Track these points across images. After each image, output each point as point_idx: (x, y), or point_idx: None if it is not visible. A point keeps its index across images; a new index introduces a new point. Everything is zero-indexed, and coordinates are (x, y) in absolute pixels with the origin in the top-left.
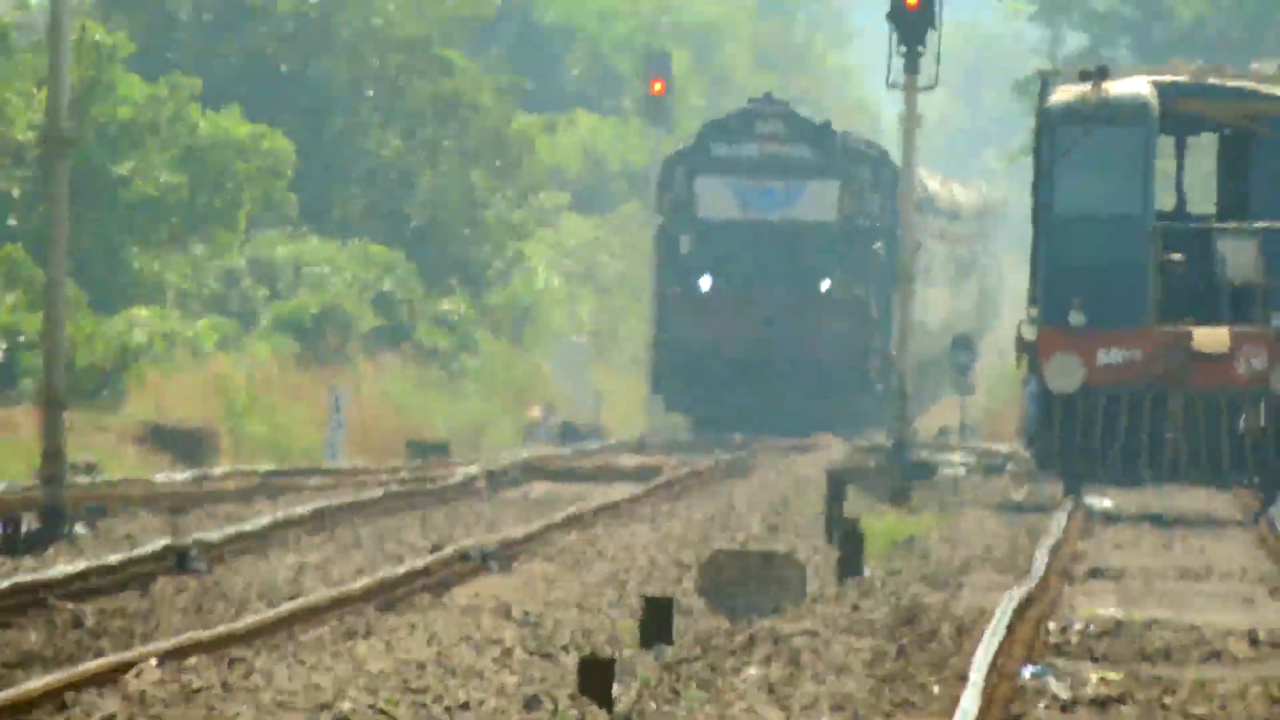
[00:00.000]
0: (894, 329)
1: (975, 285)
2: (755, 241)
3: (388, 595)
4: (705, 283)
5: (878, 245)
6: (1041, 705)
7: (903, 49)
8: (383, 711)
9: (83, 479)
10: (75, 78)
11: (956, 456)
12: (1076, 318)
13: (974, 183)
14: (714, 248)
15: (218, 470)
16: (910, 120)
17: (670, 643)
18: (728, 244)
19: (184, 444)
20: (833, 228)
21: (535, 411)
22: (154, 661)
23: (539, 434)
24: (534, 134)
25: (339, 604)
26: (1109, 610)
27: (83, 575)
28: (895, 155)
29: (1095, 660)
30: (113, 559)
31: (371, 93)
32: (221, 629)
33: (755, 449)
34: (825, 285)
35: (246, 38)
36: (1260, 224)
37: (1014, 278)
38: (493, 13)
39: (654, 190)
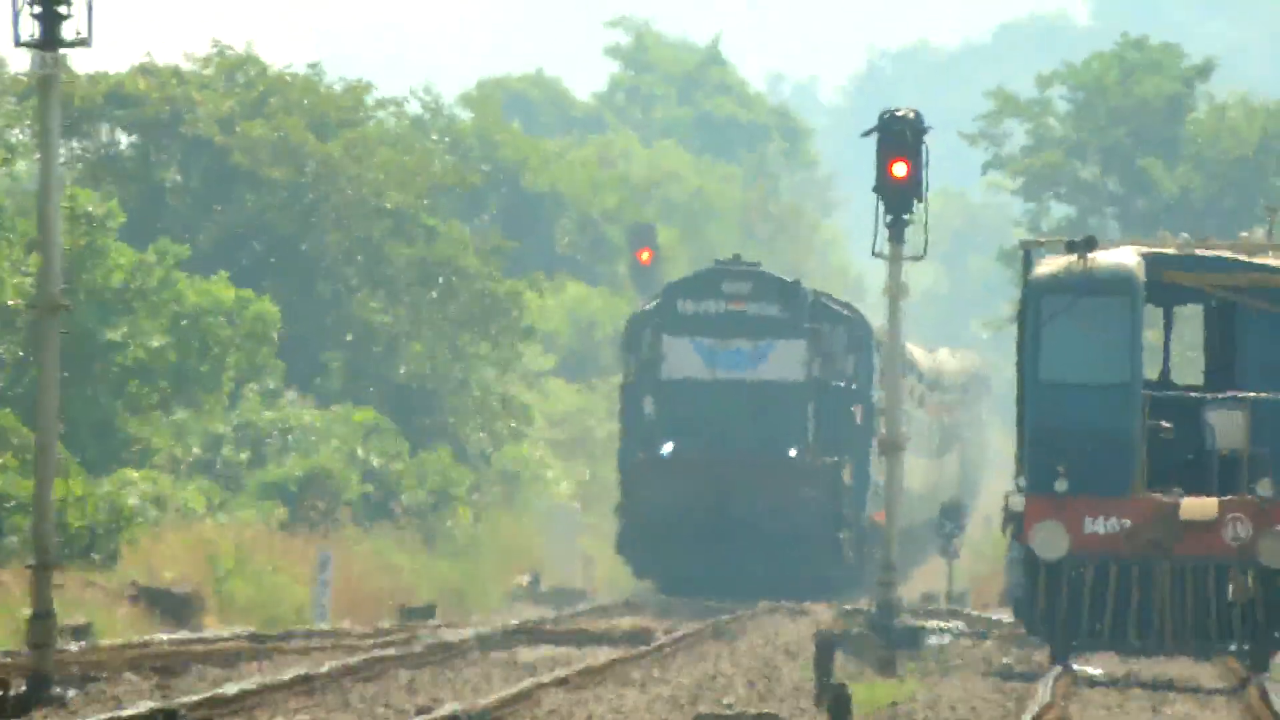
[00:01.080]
0: (869, 497)
1: (957, 454)
2: (721, 403)
3: None
4: (667, 448)
5: (853, 409)
6: None
7: (889, 219)
8: None
9: (73, 644)
10: (66, 245)
11: (943, 623)
12: (1062, 485)
13: (957, 351)
14: (678, 409)
15: (207, 632)
16: (895, 289)
17: None
18: (692, 405)
19: (173, 605)
20: (802, 389)
21: (523, 578)
22: None
23: (527, 598)
24: (520, 290)
25: None
26: None
27: None
28: (880, 324)
29: None
30: None
31: (360, 258)
32: None
33: (741, 615)
34: (793, 451)
35: (235, 205)
36: (1248, 394)
37: (998, 447)
38: (479, 181)
39: (619, 351)
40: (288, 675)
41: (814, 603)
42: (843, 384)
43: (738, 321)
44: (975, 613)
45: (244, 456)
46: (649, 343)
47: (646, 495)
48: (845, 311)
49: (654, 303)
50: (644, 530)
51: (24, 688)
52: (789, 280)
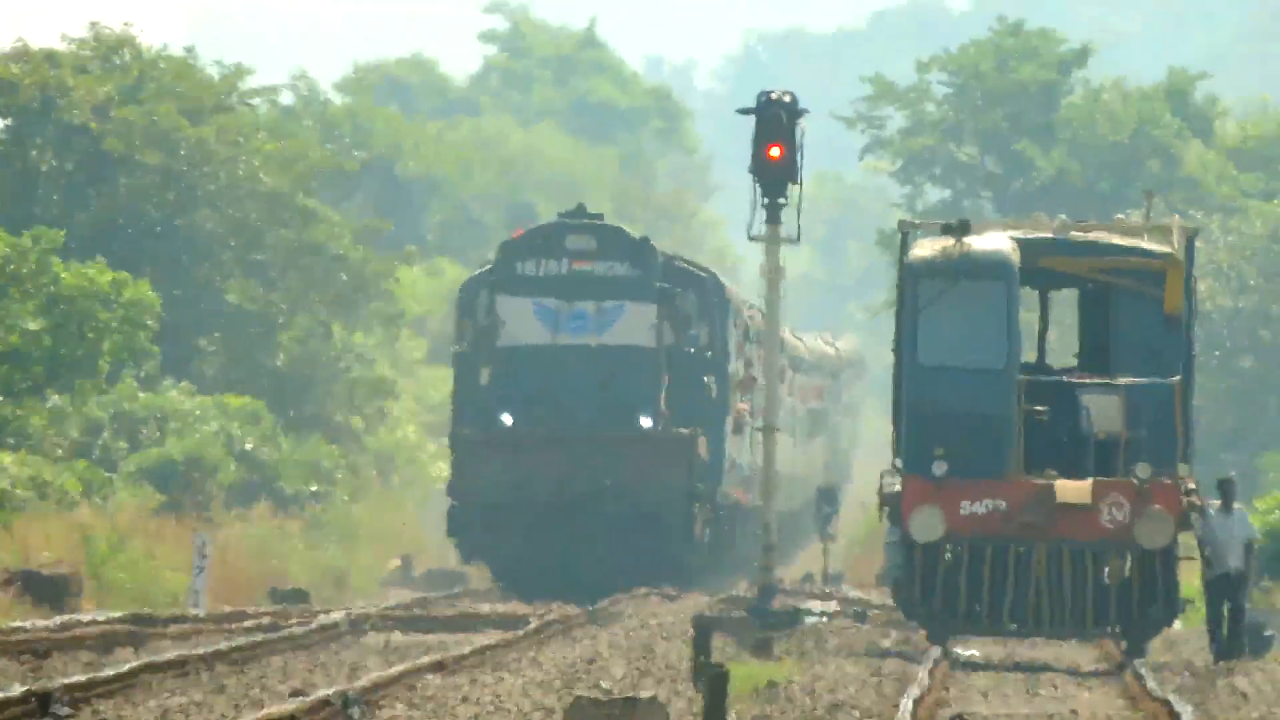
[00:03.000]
0: (725, 473)
1: (827, 437)
2: (564, 371)
3: None
4: (505, 420)
5: (708, 380)
6: None
7: (765, 200)
8: None
9: None
10: None
11: (820, 605)
12: (939, 468)
13: (828, 335)
14: (517, 379)
15: (82, 616)
16: (772, 272)
17: None
18: (532, 375)
19: (48, 589)
20: (653, 355)
21: (395, 562)
22: None
23: (401, 583)
24: (391, 270)
25: None
26: None
27: None
28: (735, 288)
29: None
30: None
31: (234, 243)
32: None
33: (618, 598)
34: (645, 422)
35: (110, 190)
36: (1123, 378)
37: (874, 430)
38: (356, 167)
39: (454, 317)
40: (163, 659)
41: (670, 588)
42: (695, 353)
43: (582, 282)
44: (853, 594)
45: (121, 442)
46: (484, 306)
47: (480, 473)
48: (700, 273)
49: (490, 264)
50: (475, 512)
51: None
52: (638, 237)
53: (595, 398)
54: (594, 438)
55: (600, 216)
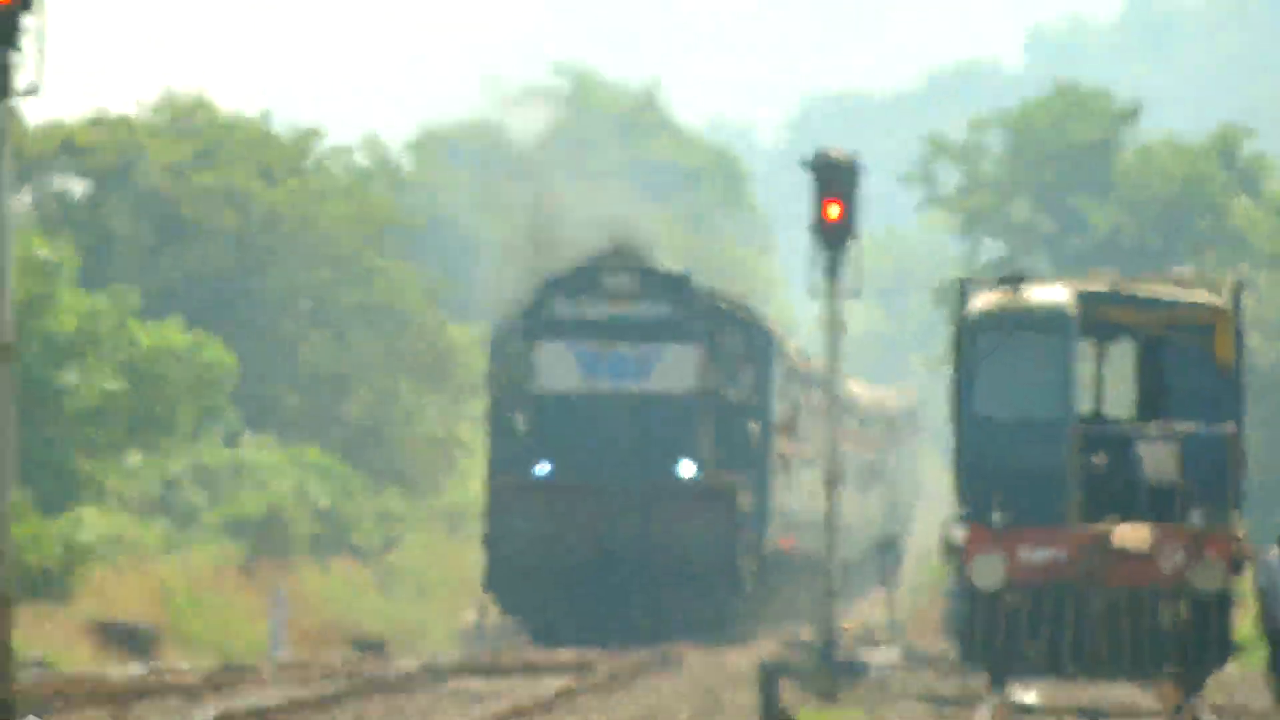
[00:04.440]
0: (770, 522)
1: (884, 488)
2: (603, 418)
3: None
4: (543, 469)
5: (752, 425)
6: None
7: (824, 257)
8: None
9: (33, 676)
10: (19, 291)
11: (883, 652)
12: (998, 517)
13: (886, 387)
14: (554, 426)
15: (162, 665)
16: (833, 326)
17: None
18: (570, 422)
19: (129, 640)
20: (695, 401)
21: (470, 613)
22: None
23: (476, 634)
24: (465, 343)
25: None
26: None
27: None
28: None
29: None
30: None
31: (306, 302)
32: None
33: (680, 645)
34: (685, 470)
35: (186, 251)
36: (1178, 427)
37: (932, 480)
38: (423, 225)
39: (486, 361)
40: (243, 707)
41: (709, 644)
42: (739, 396)
43: (621, 324)
44: (913, 642)
45: (200, 496)
46: (519, 351)
47: (517, 525)
48: (744, 313)
49: (526, 304)
50: (513, 565)
51: None
52: (679, 275)
53: (635, 445)
54: (634, 488)
55: (639, 255)
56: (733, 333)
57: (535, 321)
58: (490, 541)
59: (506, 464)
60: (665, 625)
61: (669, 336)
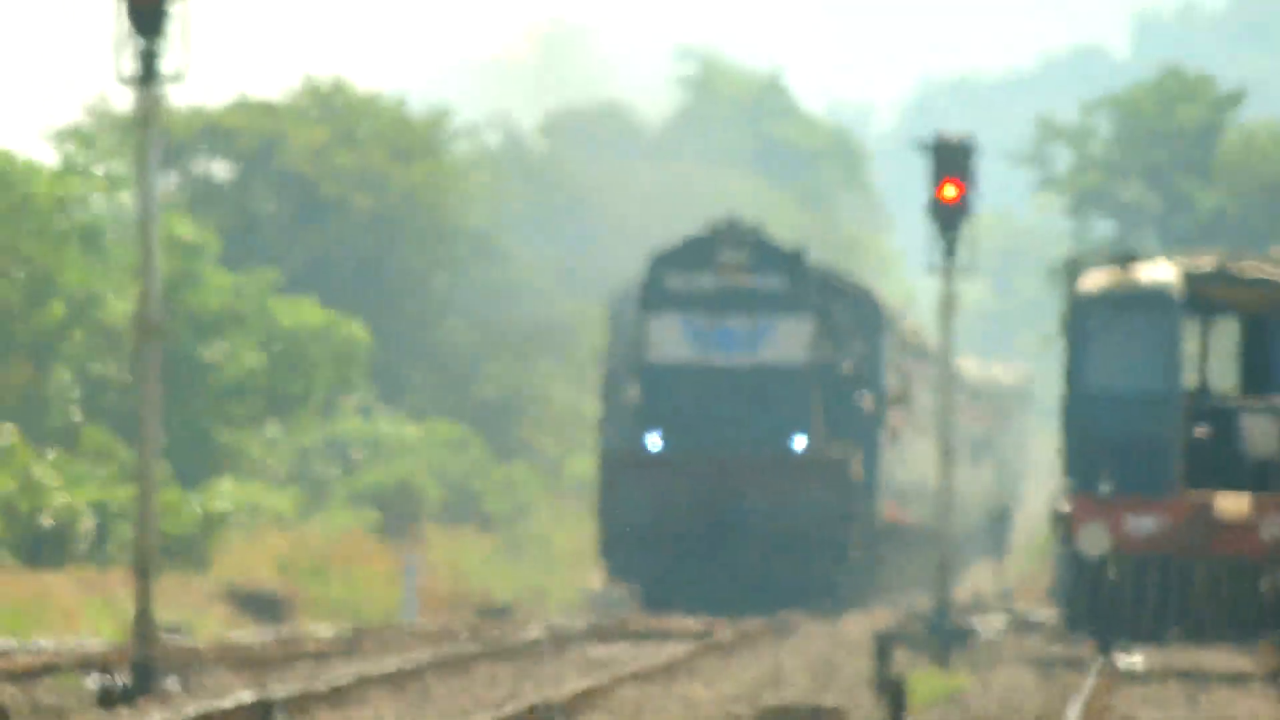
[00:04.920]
0: (879, 492)
1: (993, 461)
2: (714, 390)
3: None
4: (654, 441)
5: (862, 396)
6: None
7: (940, 235)
8: None
9: (172, 637)
10: (165, 270)
11: (993, 618)
12: (1105, 488)
13: (995, 363)
14: (666, 397)
15: (298, 629)
16: (948, 302)
17: None
18: (682, 393)
19: (265, 605)
20: (806, 373)
21: (594, 580)
22: None
23: (600, 599)
24: (595, 320)
25: None
26: None
27: None
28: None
29: None
30: (201, 711)
31: (439, 281)
32: None
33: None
34: (797, 442)
35: (325, 231)
36: None
37: (1040, 453)
38: (551, 207)
39: (603, 331)
40: (376, 670)
41: (822, 613)
42: (851, 368)
43: (734, 297)
44: (1022, 608)
45: (335, 468)
46: (633, 322)
47: (628, 494)
48: (855, 287)
49: (640, 277)
50: (625, 534)
51: (129, 680)
52: (792, 249)
53: (746, 417)
54: (745, 460)
55: (754, 228)
56: (844, 306)
57: (649, 294)
58: (603, 511)
59: (619, 435)
60: (775, 594)
61: (781, 309)
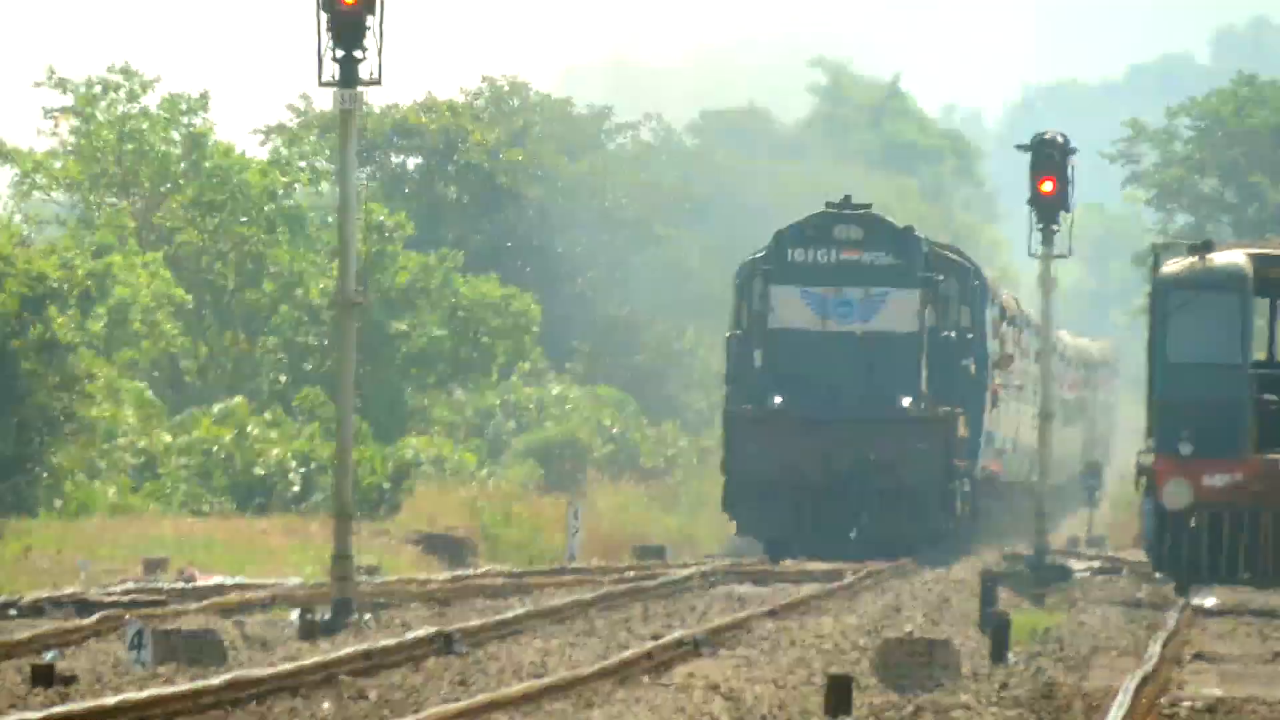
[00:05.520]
0: (982, 448)
1: (1084, 424)
2: (831, 355)
3: (618, 675)
4: (777, 400)
5: (966, 361)
6: None
7: (1040, 225)
8: None
9: (365, 578)
10: (361, 251)
11: (1085, 563)
12: (1186, 447)
13: (1087, 337)
14: (787, 361)
15: (476, 570)
16: (1047, 283)
17: (849, 714)
18: (802, 358)
19: (448, 548)
20: (915, 340)
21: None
22: None
23: (742, 544)
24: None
25: (578, 682)
26: (1212, 690)
27: (367, 655)
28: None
29: None
30: (391, 642)
31: (602, 261)
32: (483, 698)
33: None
34: (907, 402)
35: (501, 217)
36: None
37: (1126, 418)
38: (702, 198)
39: (731, 299)
40: (544, 606)
41: (934, 559)
42: (956, 335)
43: (849, 270)
44: (1112, 554)
45: (510, 425)
46: (758, 292)
47: (751, 451)
48: (960, 261)
49: (764, 250)
50: (749, 487)
51: (328, 613)
52: (902, 227)
53: (861, 380)
54: (859, 419)
55: (869, 207)
56: (950, 279)
57: (773, 266)
58: (728, 466)
59: (744, 396)
60: (887, 543)
61: (892, 281)
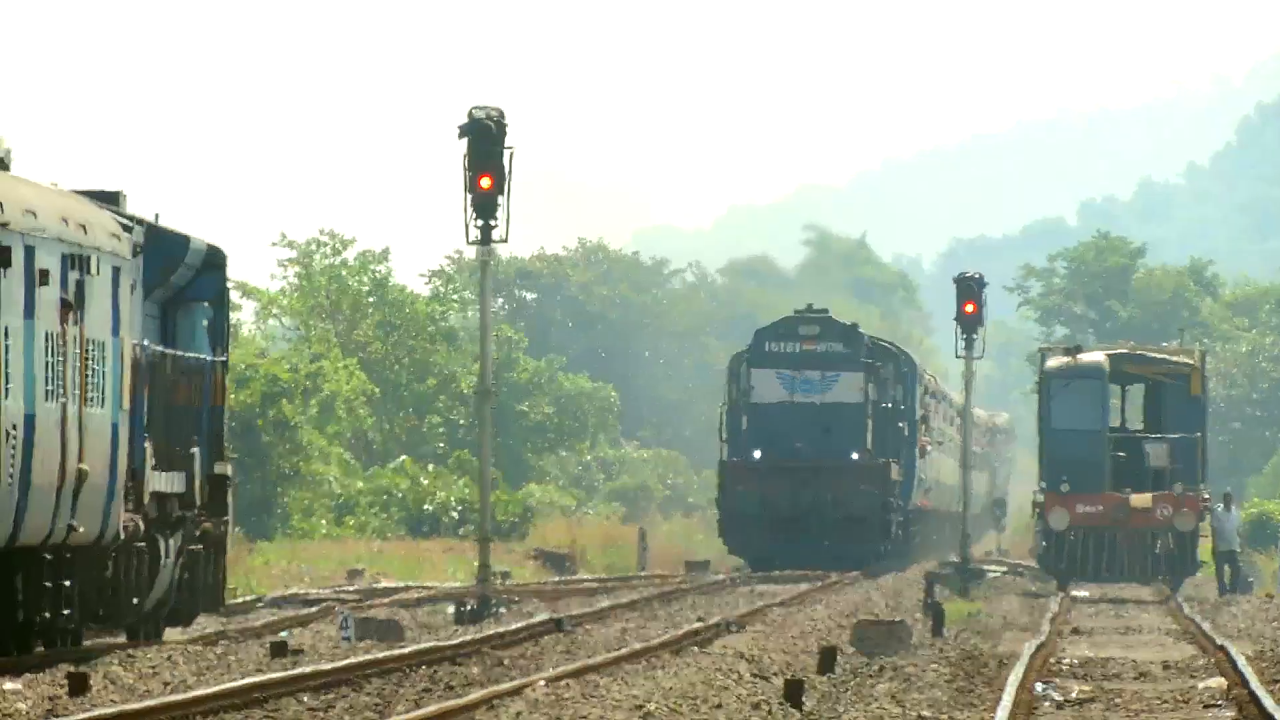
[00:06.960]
0: (913, 489)
1: (990, 470)
2: (798, 420)
3: (675, 646)
4: (757, 454)
5: (901, 424)
6: (1046, 705)
7: (964, 336)
8: (673, 710)
9: (500, 582)
10: (495, 357)
11: (995, 568)
12: (1065, 486)
13: (992, 411)
14: (765, 425)
15: (577, 576)
16: (969, 376)
17: (834, 672)
18: (776, 422)
19: (557, 562)
20: (861, 409)
21: None
22: (542, 683)
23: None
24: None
25: (646, 651)
26: (1084, 651)
27: (501, 635)
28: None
29: (1077, 679)
30: (518, 625)
31: (659, 359)
32: (582, 663)
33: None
34: (855, 455)
35: (591, 334)
36: (1170, 435)
37: (1021, 469)
38: (731, 317)
39: (724, 382)
40: (623, 600)
41: (888, 566)
42: (892, 405)
43: (811, 357)
44: (1014, 561)
45: (600, 476)
46: (743, 374)
47: (740, 491)
48: (894, 350)
49: (749, 345)
50: (738, 519)
51: (474, 606)
52: (850, 324)
53: (820, 439)
54: (819, 467)
55: (825, 312)
56: (887, 363)
57: (753, 355)
58: (722, 504)
59: (734, 451)
60: (842, 559)
61: (843, 365)
